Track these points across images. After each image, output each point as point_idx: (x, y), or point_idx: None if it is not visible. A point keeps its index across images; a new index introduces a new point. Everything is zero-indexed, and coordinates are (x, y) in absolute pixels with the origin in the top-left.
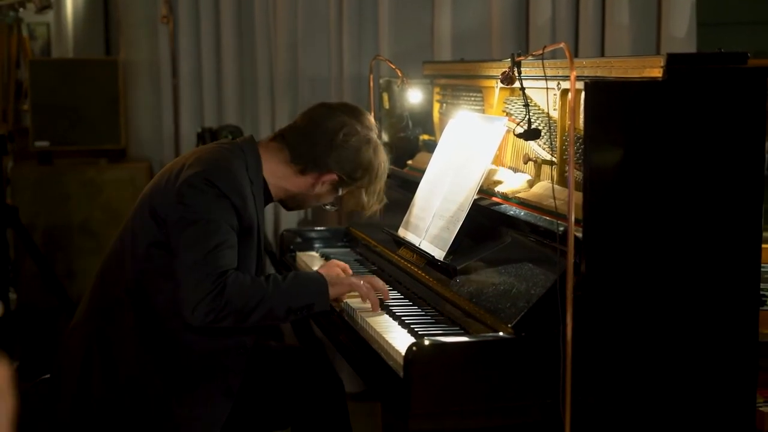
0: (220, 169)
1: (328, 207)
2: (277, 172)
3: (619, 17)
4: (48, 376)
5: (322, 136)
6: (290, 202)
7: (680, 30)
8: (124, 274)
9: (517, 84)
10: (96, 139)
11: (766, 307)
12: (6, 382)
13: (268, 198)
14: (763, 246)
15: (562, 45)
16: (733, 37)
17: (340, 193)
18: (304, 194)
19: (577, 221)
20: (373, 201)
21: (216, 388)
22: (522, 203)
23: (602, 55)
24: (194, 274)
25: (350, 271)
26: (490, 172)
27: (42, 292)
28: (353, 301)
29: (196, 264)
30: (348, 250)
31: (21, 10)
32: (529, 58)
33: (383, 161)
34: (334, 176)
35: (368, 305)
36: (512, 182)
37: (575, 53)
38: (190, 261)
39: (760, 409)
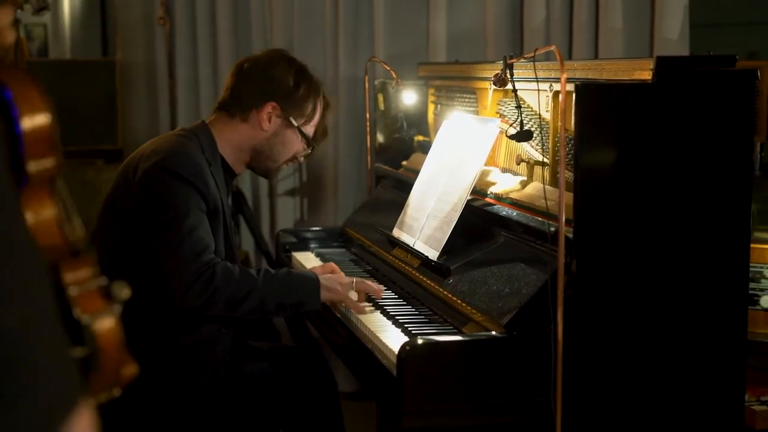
0: (176, 155)
1: (302, 157)
2: (229, 138)
3: (613, 19)
4: None
5: (243, 82)
6: (259, 162)
7: (673, 32)
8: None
9: (509, 86)
10: (93, 140)
11: (758, 307)
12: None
13: (230, 174)
14: (753, 246)
15: (553, 48)
16: (726, 38)
17: (294, 122)
18: (263, 143)
19: (568, 221)
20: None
21: (202, 378)
22: (514, 204)
23: (596, 57)
24: (179, 261)
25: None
26: (484, 173)
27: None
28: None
29: (178, 251)
30: (343, 250)
31: (18, 11)
32: (521, 60)
33: (308, 72)
34: (272, 104)
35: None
36: (505, 183)
37: (569, 55)
38: (172, 250)
39: (752, 407)
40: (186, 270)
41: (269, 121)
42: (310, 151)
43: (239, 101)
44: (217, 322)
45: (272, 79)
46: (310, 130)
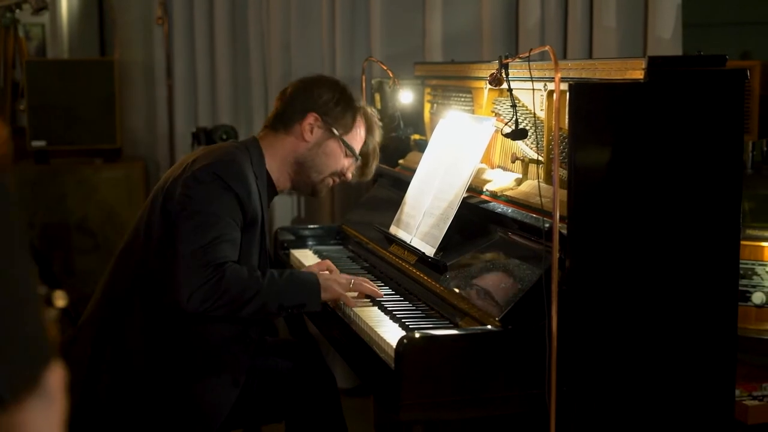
0: (225, 162)
1: (350, 165)
2: (274, 152)
3: (607, 19)
4: None
5: (287, 100)
6: (303, 177)
7: (666, 31)
8: (136, 268)
9: (504, 85)
10: (92, 139)
11: (750, 303)
12: (60, 384)
13: (273, 192)
14: (746, 243)
15: (547, 48)
16: (719, 38)
17: (335, 132)
18: (305, 154)
19: (562, 218)
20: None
21: (224, 378)
22: (510, 201)
23: (590, 56)
24: (192, 263)
25: (335, 269)
26: (479, 171)
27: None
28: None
29: (195, 253)
30: (341, 247)
31: (17, 11)
32: (516, 60)
33: (349, 92)
34: (313, 115)
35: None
36: (500, 181)
37: (564, 55)
38: (189, 250)
39: (745, 402)
40: (196, 276)
41: (311, 131)
42: (357, 163)
43: (283, 116)
44: (242, 323)
45: (313, 94)
46: (354, 144)
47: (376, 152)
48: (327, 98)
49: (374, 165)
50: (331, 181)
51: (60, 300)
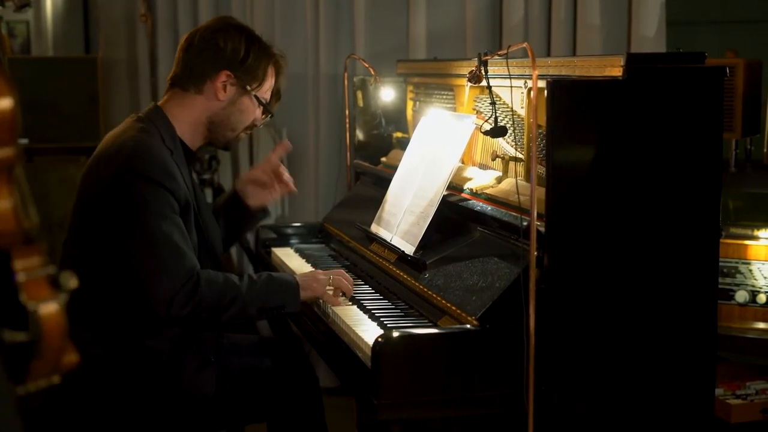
0: (142, 155)
1: (260, 122)
2: (186, 116)
3: (591, 17)
4: None
5: (193, 54)
6: (217, 134)
7: (650, 29)
8: (74, 261)
9: (484, 83)
10: (75, 137)
11: (733, 302)
12: None
13: (190, 157)
14: (729, 241)
15: (525, 45)
16: (703, 36)
17: (249, 88)
18: (219, 113)
19: (540, 216)
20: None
21: (195, 359)
22: (489, 199)
23: (574, 54)
24: (161, 274)
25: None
26: (460, 169)
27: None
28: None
29: (158, 263)
30: (322, 245)
31: (0, 8)
32: (495, 57)
33: (256, 37)
34: (226, 72)
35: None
36: (481, 178)
37: (548, 52)
38: (151, 261)
39: (728, 401)
40: (169, 282)
41: (224, 90)
42: (268, 117)
43: (192, 74)
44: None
45: (224, 48)
46: (265, 95)
47: (280, 94)
48: (236, 51)
49: (276, 106)
50: (243, 135)
51: (71, 281)
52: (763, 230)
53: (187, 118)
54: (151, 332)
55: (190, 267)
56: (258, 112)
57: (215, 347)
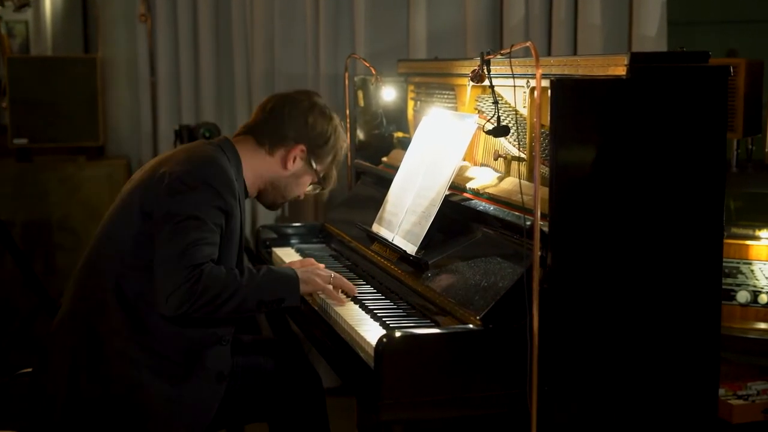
0: (214, 166)
1: (310, 188)
2: (253, 164)
3: (591, 17)
4: (29, 370)
5: (280, 114)
6: (269, 194)
7: (651, 29)
8: (109, 270)
9: (486, 82)
10: (74, 137)
11: (735, 302)
12: None
13: (245, 196)
14: (731, 242)
15: (528, 44)
16: (703, 36)
17: (314, 166)
18: (279, 178)
19: (543, 216)
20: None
21: (206, 374)
22: (491, 199)
23: (575, 54)
24: (170, 265)
25: (321, 266)
26: (462, 169)
27: (21, 288)
28: (322, 294)
29: (173, 256)
30: (323, 245)
31: (0, 8)
32: (498, 56)
33: (339, 124)
34: (301, 146)
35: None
36: (483, 178)
37: (548, 52)
38: (168, 253)
39: (729, 401)
40: (174, 277)
41: (293, 161)
42: (320, 188)
43: (272, 135)
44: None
45: (309, 125)
46: (324, 174)
47: (335, 180)
48: (320, 132)
49: (329, 189)
50: (289, 201)
51: None
52: (765, 230)
53: (252, 168)
54: (165, 342)
55: (199, 261)
56: (309, 188)
57: (229, 361)
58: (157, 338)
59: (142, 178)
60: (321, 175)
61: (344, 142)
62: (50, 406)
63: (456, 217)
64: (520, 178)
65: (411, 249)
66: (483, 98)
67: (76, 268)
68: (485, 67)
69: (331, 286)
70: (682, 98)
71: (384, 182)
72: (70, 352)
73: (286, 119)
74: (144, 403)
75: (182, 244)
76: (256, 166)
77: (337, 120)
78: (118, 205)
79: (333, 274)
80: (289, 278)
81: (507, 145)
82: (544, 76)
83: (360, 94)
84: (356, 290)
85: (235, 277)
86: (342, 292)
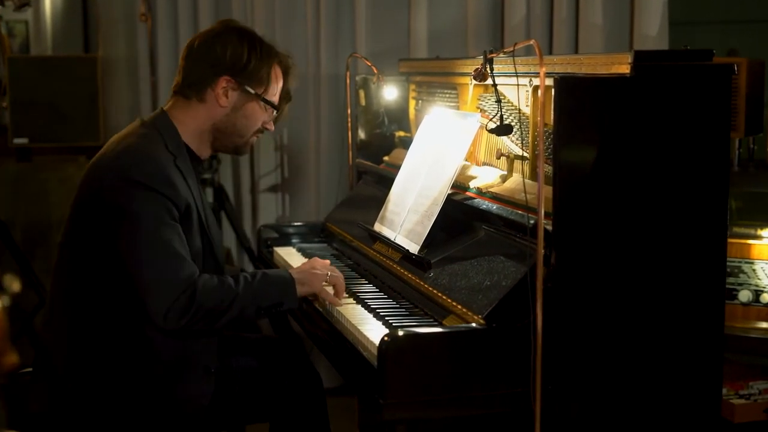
0: (140, 162)
1: (267, 117)
2: (189, 123)
3: (593, 16)
4: (29, 369)
5: (193, 61)
6: (225, 141)
7: (652, 29)
8: (76, 284)
9: (489, 81)
10: (75, 136)
11: (736, 301)
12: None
13: (197, 161)
14: (732, 241)
15: (532, 42)
16: (704, 36)
17: (252, 91)
18: (223, 120)
19: (547, 215)
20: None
21: (195, 369)
22: (494, 198)
23: (576, 53)
24: (158, 282)
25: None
26: (464, 168)
27: (21, 288)
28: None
29: (156, 271)
30: (325, 245)
31: (0, 7)
32: (501, 55)
33: (253, 34)
34: (225, 78)
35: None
36: (485, 177)
37: (549, 51)
38: (149, 269)
39: (731, 401)
40: (166, 291)
41: (226, 96)
42: (274, 115)
43: (192, 82)
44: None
45: (222, 53)
46: (273, 97)
47: (290, 96)
48: (236, 54)
49: (287, 108)
50: (254, 139)
51: (15, 284)
52: (767, 230)
53: (192, 126)
54: (148, 340)
55: (188, 275)
56: (266, 115)
57: (215, 355)
58: (138, 341)
59: (82, 183)
60: (269, 98)
61: (277, 51)
62: (50, 399)
63: (458, 216)
64: (523, 177)
65: (413, 248)
66: (485, 97)
67: (50, 282)
68: (488, 66)
69: (330, 288)
70: (685, 96)
71: (386, 181)
72: (55, 347)
73: (198, 61)
74: (131, 399)
75: (158, 253)
76: (194, 122)
77: (255, 35)
78: (71, 209)
79: (329, 272)
80: (285, 281)
81: (510, 144)
82: (547, 74)
83: (361, 93)
84: (343, 293)
85: (230, 286)
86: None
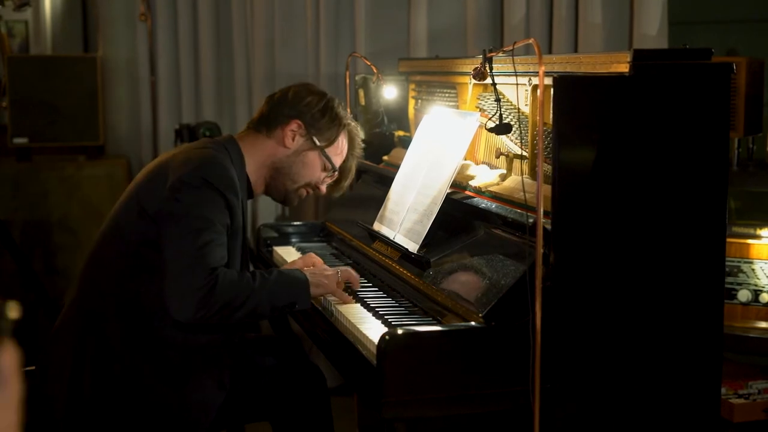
0: (215, 166)
1: (326, 175)
2: (253, 154)
3: (592, 15)
4: (32, 368)
5: (274, 104)
6: (277, 182)
7: (652, 28)
8: (111, 272)
9: (488, 80)
10: (74, 136)
11: (736, 301)
12: (14, 365)
13: (249, 195)
14: (732, 240)
15: (531, 41)
16: (704, 35)
17: (316, 142)
18: (283, 160)
19: (546, 213)
20: (355, 151)
21: (209, 379)
22: (494, 197)
23: (575, 52)
24: (184, 271)
25: (319, 262)
26: (463, 167)
27: (20, 288)
28: (330, 296)
29: (186, 260)
30: (324, 244)
31: (0, 7)
32: (500, 54)
33: (337, 103)
34: (296, 122)
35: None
36: (484, 176)
37: (549, 51)
38: (181, 257)
39: (730, 400)
40: (189, 283)
41: (292, 138)
42: (332, 175)
43: (268, 119)
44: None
45: (300, 101)
46: (334, 158)
47: (353, 171)
48: (313, 107)
49: (348, 182)
50: (304, 192)
51: (13, 311)
52: (766, 229)
53: (255, 158)
54: (162, 341)
55: (211, 269)
56: (323, 173)
57: (230, 369)
58: (159, 341)
59: (144, 179)
60: (330, 156)
61: (352, 122)
62: (51, 405)
63: (458, 215)
64: (522, 176)
65: (413, 247)
66: (484, 96)
67: (80, 268)
68: (487, 65)
69: (341, 287)
70: (684, 96)
71: (385, 181)
72: (73, 353)
73: (278, 102)
74: (145, 405)
75: (193, 246)
76: (257, 155)
77: (333, 99)
78: (120, 206)
79: (339, 272)
80: (300, 282)
81: (509, 143)
82: (546, 73)
83: (361, 92)
84: (359, 283)
85: (248, 281)
86: (347, 286)
